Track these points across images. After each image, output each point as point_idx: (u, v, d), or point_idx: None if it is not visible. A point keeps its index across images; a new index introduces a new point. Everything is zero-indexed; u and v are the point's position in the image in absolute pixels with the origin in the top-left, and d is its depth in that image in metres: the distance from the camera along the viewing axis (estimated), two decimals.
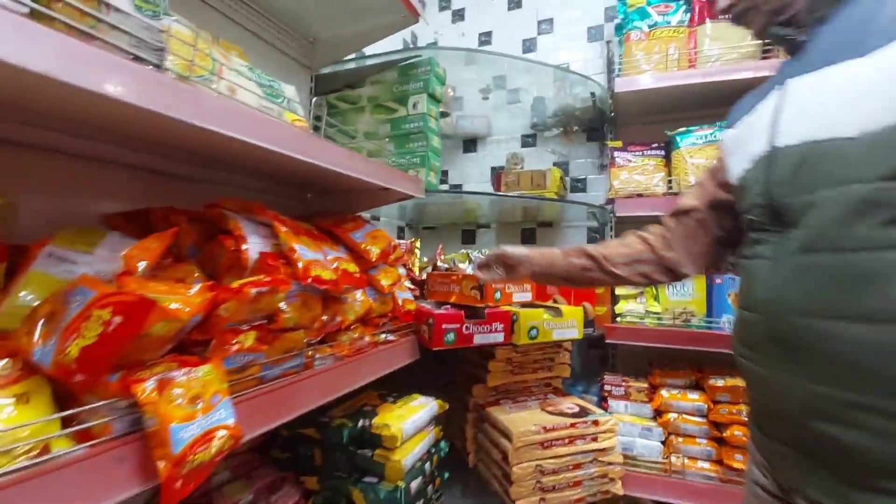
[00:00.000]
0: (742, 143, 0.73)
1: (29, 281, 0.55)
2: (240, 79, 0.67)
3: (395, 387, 1.18)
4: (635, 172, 1.45)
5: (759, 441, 0.72)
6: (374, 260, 0.95)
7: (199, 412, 0.52)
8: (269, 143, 0.66)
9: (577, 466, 1.18)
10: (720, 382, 1.29)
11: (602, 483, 1.21)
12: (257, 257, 0.70)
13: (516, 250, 0.98)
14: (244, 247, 0.69)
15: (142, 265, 0.56)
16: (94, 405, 0.48)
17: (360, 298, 0.93)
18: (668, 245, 0.88)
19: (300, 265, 0.71)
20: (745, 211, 0.73)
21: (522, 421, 1.18)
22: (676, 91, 1.42)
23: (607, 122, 1.75)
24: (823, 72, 0.61)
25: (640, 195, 1.40)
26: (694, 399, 1.31)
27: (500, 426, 1.20)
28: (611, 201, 1.45)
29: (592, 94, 1.66)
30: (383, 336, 1.02)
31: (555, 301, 1.46)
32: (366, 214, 1.77)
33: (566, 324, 1.28)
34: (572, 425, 1.18)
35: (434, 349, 1.10)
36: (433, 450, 1.08)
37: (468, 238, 2.13)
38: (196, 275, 0.66)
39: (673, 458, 1.29)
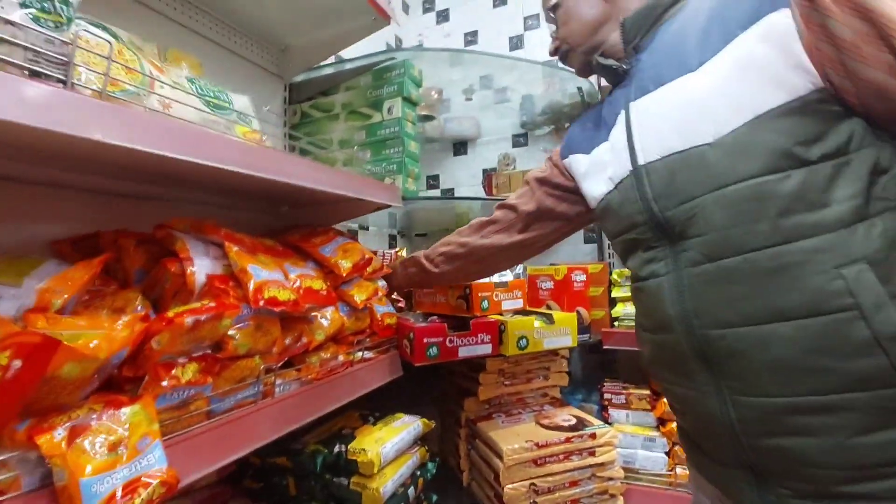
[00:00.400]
0: (599, 168, 0.77)
1: None
2: (175, 93, 0.62)
3: (383, 403, 1.13)
4: None
5: (705, 466, 0.70)
6: (345, 274, 0.90)
7: (122, 460, 0.47)
8: (213, 161, 0.61)
9: (574, 483, 1.11)
10: None
11: (602, 500, 1.14)
12: (205, 280, 0.65)
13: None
14: (190, 269, 0.64)
15: (61, 299, 0.51)
16: (2, 457, 0.43)
17: (330, 316, 0.88)
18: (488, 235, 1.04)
19: (251, 286, 0.66)
20: (620, 233, 0.75)
21: (514, 437, 1.12)
22: None
23: None
24: (660, 91, 0.66)
25: None
26: None
27: (490, 443, 1.14)
28: None
29: (579, 88, 1.60)
30: (360, 354, 0.97)
31: (548, 307, 1.40)
32: (353, 225, 1.73)
33: (559, 331, 1.21)
34: (567, 440, 1.11)
35: (417, 365, 1.05)
36: (418, 472, 1.02)
37: None
38: (138, 303, 0.62)
39: (678, 470, 1.22)
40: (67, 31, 0.48)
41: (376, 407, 1.12)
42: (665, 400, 1.29)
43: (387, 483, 0.89)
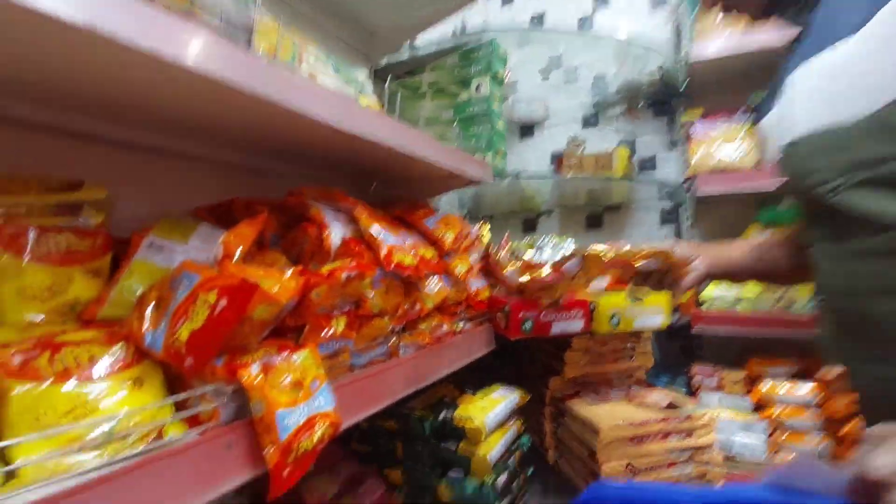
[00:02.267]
0: (768, 139, 0.72)
1: (133, 270, 0.55)
2: (317, 64, 0.65)
3: (464, 380, 1.15)
4: (716, 145, 1.33)
5: None
6: (447, 247, 0.92)
7: (301, 398, 0.50)
8: (355, 128, 0.65)
9: (672, 465, 1.09)
10: (834, 371, 1.14)
11: (700, 484, 1.11)
12: (340, 243, 0.69)
13: (683, 245, 0.87)
14: (326, 233, 0.68)
15: (238, 251, 0.55)
16: (202, 390, 0.48)
17: (437, 285, 0.90)
18: None
19: (383, 250, 0.69)
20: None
21: (609, 414, 1.11)
22: (760, 55, 1.28)
23: (677, 95, 1.62)
24: (817, 59, 0.59)
25: (724, 171, 1.27)
26: (802, 390, 1.17)
27: (584, 420, 1.13)
28: (690, 178, 1.33)
29: (660, 66, 1.55)
30: (461, 324, 0.99)
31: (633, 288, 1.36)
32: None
33: (650, 310, 1.18)
34: (664, 419, 1.09)
35: (512, 338, 1.05)
36: (515, 445, 1.03)
37: (529, 226, 2.06)
38: (283, 262, 0.66)
39: (779, 458, 1.16)
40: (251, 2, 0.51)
41: (460, 382, 1.14)
42: (763, 383, 1.23)
43: (492, 450, 0.90)
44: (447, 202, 1.80)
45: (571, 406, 1.20)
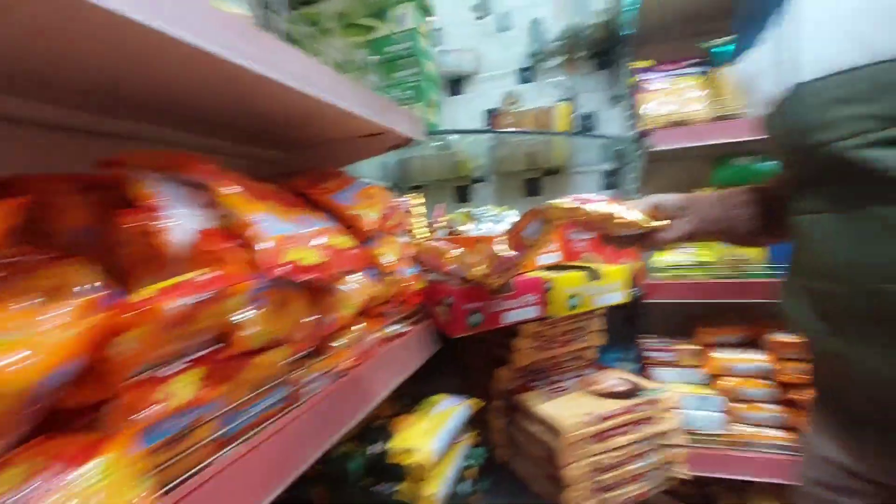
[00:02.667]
0: (752, 82, 0.61)
1: None
2: None
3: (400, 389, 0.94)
4: (669, 97, 1.19)
5: (827, 418, 0.63)
6: (369, 229, 0.68)
7: None
8: (196, 36, 0.37)
9: (639, 456, 0.98)
10: (786, 338, 1.10)
11: (665, 470, 1.02)
12: (190, 240, 0.42)
13: (669, 200, 0.72)
14: (159, 225, 0.41)
15: None
16: None
17: (359, 283, 0.67)
18: None
19: (265, 246, 0.44)
20: (785, 163, 0.62)
21: (568, 410, 0.97)
22: None
23: (621, 43, 1.46)
24: None
25: (678, 123, 1.15)
26: (756, 359, 1.12)
27: (541, 419, 0.98)
28: (644, 133, 1.19)
29: (606, 8, 1.36)
30: (393, 328, 0.77)
31: (585, 260, 1.23)
32: None
33: (609, 287, 1.05)
34: (628, 410, 0.97)
35: (455, 336, 0.86)
36: (470, 462, 0.85)
37: (462, 195, 1.86)
38: (85, 280, 0.38)
39: (736, 429, 1.11)
40: None
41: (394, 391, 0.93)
42: (715, 354, 1.17)
43: (440, 484, 0.71)
44: (368, 172, 1.53)
45: (525, 402, 1.05)
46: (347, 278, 0.63)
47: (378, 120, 0.70)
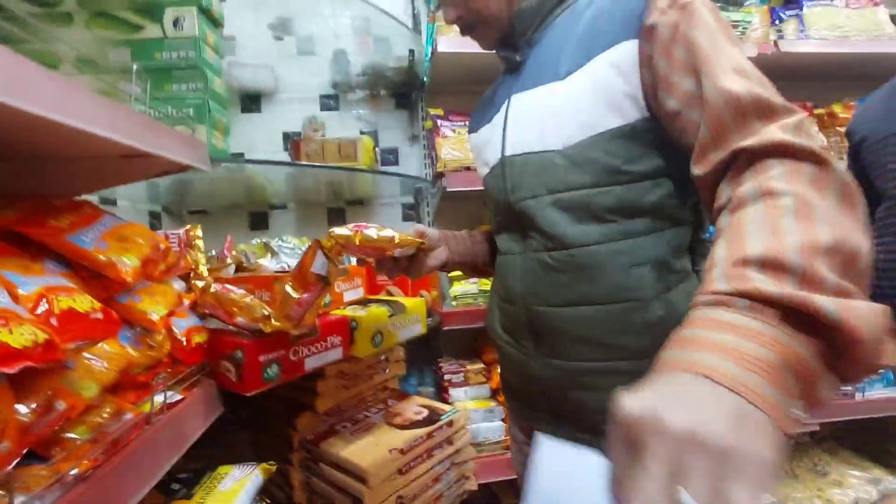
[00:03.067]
0: (482, 150, 0.83)
1: None
2: None
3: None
4: (457, 145, 1.35)
5: (520, 411, 0.89)
6: (131, 279, 0.54)
7: None
8: None
9: (437, 480, 1.04)
10: None
11: (459, 486, 1.11)
12: None
13: (432, 231, 0.83)
14: None
15: None
16: None
17: (108, 353, 0.52)
18: None
19: None
20: (494, 213, 0.83)
21: (372, 450, 0.96)
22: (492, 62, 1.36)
23: (418, 88, 1.59)
24: (535, 91, 0.71)
25: (468, 168, 1.31)
26: None
27: (345, 464, 0.94)
28: (439, 175, 1.31)
29: (412, 51, 1.47)
30: (160, 399, 0.62)
31: (389, 293, 1.26)
32: (92, 197, 1.16)
33: (411, 319, 1.09)
34: (429, 436, 1.02)
35: (249, 393, 0.75)
36: None
37: (258, 223, 1.69)
38: None
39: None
40: None
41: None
42: (498, 373, 1.35)
43: None
44: (128, 192, 1.25)
45: (326, 449, 1.00)
46: (86, 352, 0.49)
47: (137, 144, 0.57)
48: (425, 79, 1.53)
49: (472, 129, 0.89)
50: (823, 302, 0.34)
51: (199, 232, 1.06)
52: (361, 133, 1.67)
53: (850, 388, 1.59)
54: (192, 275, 0.87)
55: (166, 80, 0.76)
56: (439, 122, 1.36)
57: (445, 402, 1.37)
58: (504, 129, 0.76)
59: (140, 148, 0.56)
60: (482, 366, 1.38)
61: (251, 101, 1.66)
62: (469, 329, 1.35)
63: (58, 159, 0.60)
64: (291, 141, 1.53)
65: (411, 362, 1.65)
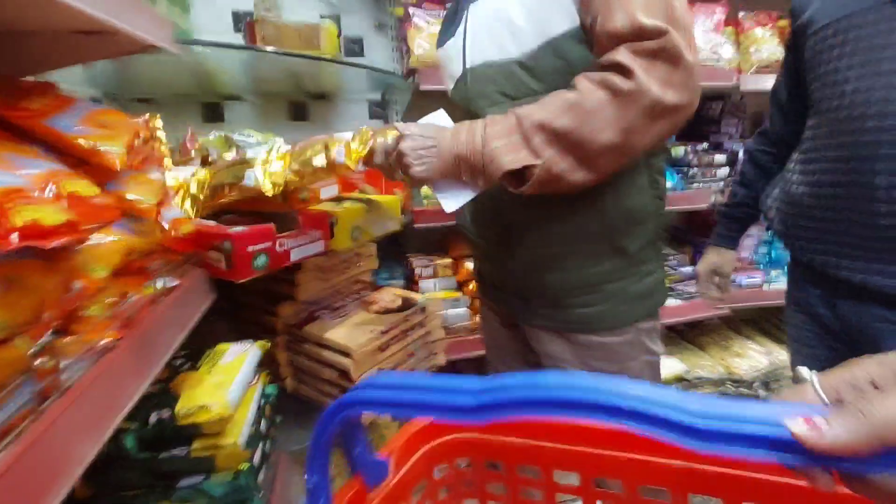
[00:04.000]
0: (447, 63, 0.87)
1: None
2: None
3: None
4: (432, 37, 1.28)
5: (492, 294, 1.00)
6: (119, 166, 0.54)
7: None
8: None
9: (411, 355, 1.18)
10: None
11: (429, 361, 1.26)
12: None
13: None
14: None
15: None
16: None
17: (109, 238, 0.54)
18: None
19: None
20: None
21: (355, 331, 1.06)
22: None
23: None
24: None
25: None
26: None
27: (330, 344, 1.05)
28: (412, 71, 1.26)
29: None
30: (160, 284, 0.66)
31: (362, 191, 1.28)
32: (28, 78, 1.04)
33: (386, 215, 1.14)
34: (405, 319, 1.14)
35: (239, 281, 0.80)
36: (263, 401, 0.86)
37: (212, 115, 1.59)
38: None
39: (478, 318, 1.45)
40: None
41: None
42: (466, 264, 1.46)
43: (242, 431, 0.71)
44: (65, 75, 1.12)
45: (311, 332, 1.09)
46: (94, 235, 0.50)
47: (102, 15, 0.53)
48: None
49: (439, 44, 0.91)
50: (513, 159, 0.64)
51: (159, 122, 1.01)
52: (322, 17, 1.53)
53: (758, 280, 1.85)
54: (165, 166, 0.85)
55: None
56: (411, 9, 1.27)
57: (415, 292, 1.49)
58: (464, 41, 0.79)
59: (106, 21, 0.52)
60: (450, 260, 1.49)
61: None
62: (438, 227, 1.42)
63: (20, 35, 0.54)
64: (245, 22, 1.38)
65: (382, 258, 1.73)
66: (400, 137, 0.71)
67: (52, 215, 0.36)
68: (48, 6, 0.45)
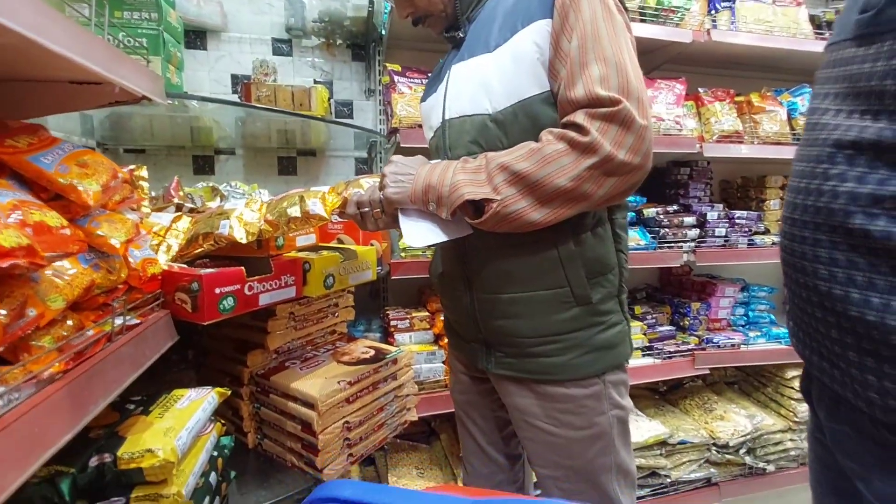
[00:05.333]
0: (429, 116, 0.95)
1: None
2: None
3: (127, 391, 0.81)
4: (412, 101, 1.38)
5: (458, 344, 1.01)
6: (93, 203, 0.57)
7: None
8: None
9: (381, 409, 1.15)
10: None
11: (401, 416, 1.22)
12: None
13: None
14: None
15: None
16: None
17: (70, 270, 0.55)
18: None
19: None
20: None
21: (322, 381, 1.04)
22: None
23: (376, 41, 1.59)
24: (468, 61, 0.82)
25: (421, 126, 1.35)
26: None
27: (295, 395, 1.02)
28: (394, 130, 1.35)
29: (371, 1, 1.45)
30: (119, 321, 0.66)
31: (340, 241, 1.31)
32: None
33: (361, 265, 1.16)
34: (375, 371, 1.12)
35: (205, 323, 0.80)
36: (216, 453, 0.82)
37: (204, 167, 1.65)
38: None
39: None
40: None
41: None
42: (441, 317, 1.46)
43: (188, 481, 0.67)
44: (59, 125, 1.18)
45: (278, 381, 1.06)
46: (56, 264, 0.52)
47: (98, 68, 0.57)
48: (383, 32, 1.53)
49: (423, 100, 1.00)
50: (473, 191, 0.70)
51: (144, 172, 1.05)
52: (316, 82, 1.65)
53: (737, 340, 1.87)
54: (141, 209, 0.88)
55: (118, 6, 0.74)
56: (396, 77, 1.38)
57: (391, 346, 1.47)
58: (445, 96, 0.87)
59: (99, 73, 0.57)
60: (427, 313, 1.49)
61: (197, 37, 1.58)
62: (416, 279, 1.43)
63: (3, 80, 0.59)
64: (242, 84, 1.49)
65: (360, 310, 1.72)
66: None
67: (10, 238, 0.38)
68: (46, 58, 0.50)
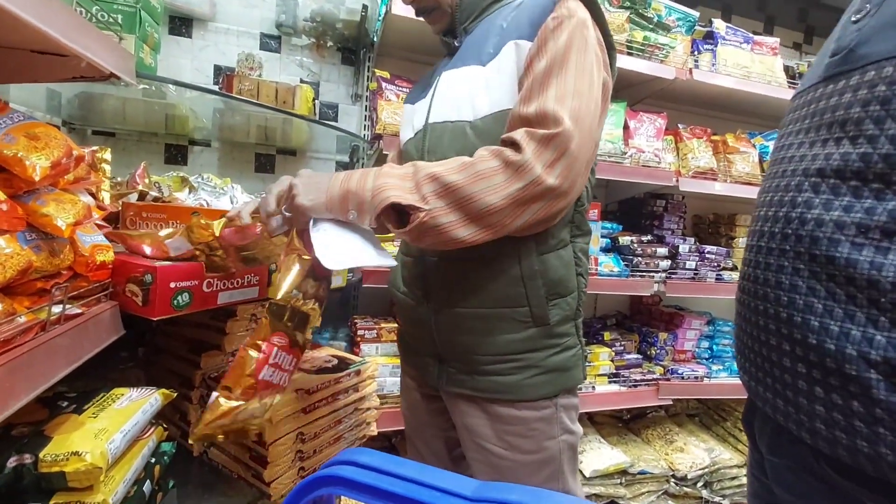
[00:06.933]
0: (411, 116, 0.95)
1: None
2: None
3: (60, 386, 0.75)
4: (400, 109, 1.37)
5: (411, 356, 1.00)
6: (39, 178, 0.52)
7: None
8: None
9: (339, 422, 1.10)
10: None
11: (360, 430, 1.18)
12: None
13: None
14: None
15: None
16: None
17: (6, 249, 0.50)
18: None
19: None
20: None
21: None
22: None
23: (367, 47, 1.58)
24: (459, 70, 0.84)
25: None
26: None
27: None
28: (378, 137, 1.33)
29: (365, 6, 1.44)
30: (57, 309, 0.61)
31: None
32: None
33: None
34: (336, 381, 1.07)
35: (156, 318, 0.75)
36: (154, 460, 0.76)
37: (176, 156, 1.59)
38: None
39: None
40: None
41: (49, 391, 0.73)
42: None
43: (117, 489, 0.62)
44: (25, 99, 1.12)
45: None
46: None
47: (60, 36, 0.54)
48: (375, 38, 1.52)
49: (408, 101, 1.00)
50: (401, 195, 0.67)
51: (108, 155, 1.00)
52: (302, 82, 1.62)
53: (700, 373, 1.89)
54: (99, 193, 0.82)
55: None
56: (385, 84, 1.37)
57: (356, 355, 1.42)
58: (432, 100, 0.87)
59: (61, 41, 0.53)
60: (396, 325, 1.45)
61: (182, 24, 1.53)
62: (386, 289, 1.40)
63: None
64: (224, 75, 1.45)
65: (327, 318, 1.67)
66: (297, 175, 0.74)
67: None
68: (4, 20, 0.46)
